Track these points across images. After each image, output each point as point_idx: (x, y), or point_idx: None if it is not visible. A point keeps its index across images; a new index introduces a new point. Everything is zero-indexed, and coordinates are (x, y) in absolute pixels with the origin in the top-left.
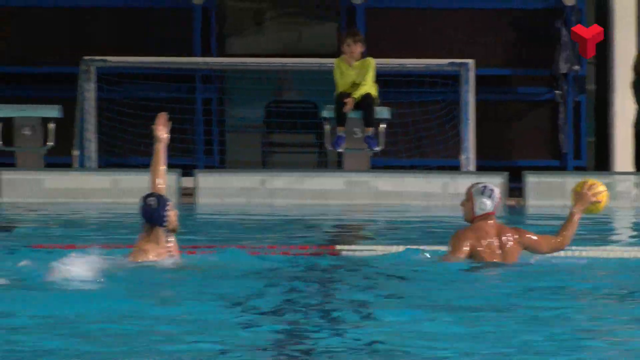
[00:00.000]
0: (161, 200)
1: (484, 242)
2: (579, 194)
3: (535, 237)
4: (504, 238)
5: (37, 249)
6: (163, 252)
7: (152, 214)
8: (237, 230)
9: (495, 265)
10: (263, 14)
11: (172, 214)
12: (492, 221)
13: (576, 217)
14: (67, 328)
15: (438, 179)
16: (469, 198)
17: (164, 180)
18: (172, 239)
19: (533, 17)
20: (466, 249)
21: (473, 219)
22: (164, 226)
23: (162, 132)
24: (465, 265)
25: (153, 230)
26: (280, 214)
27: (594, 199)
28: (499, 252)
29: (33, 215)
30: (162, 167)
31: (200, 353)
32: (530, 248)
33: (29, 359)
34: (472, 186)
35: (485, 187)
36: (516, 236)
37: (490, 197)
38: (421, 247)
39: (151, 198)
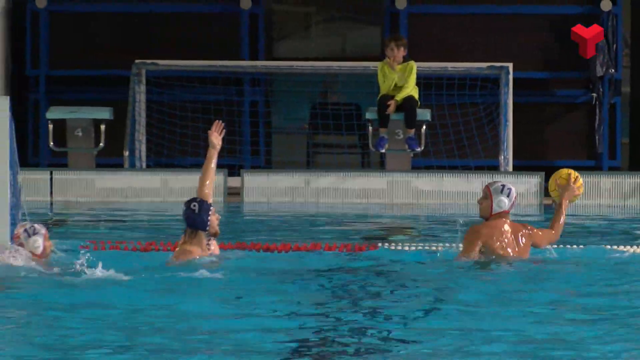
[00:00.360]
0: (204, 205)
1: (500, 239)
2: (565, 187)
3: (540, 232)
4: (518, 235)
5: (88, 247)
6: (204, 254)
7: (194, 218)
8: (282, 228)
9: (516, 260)
10: (309, 18)
11: (214, 219)
12: (507, 219)
13: (565, 209)
14: (129, 323)
15: (477, 179)
16: (487, 196)
17: (212, 184)
18: (212, 241)
19: (570, 21)
20: (478, 246)
21: (490, 216)
22: (206, 230)
23: (218, 139)
24: (488, 263)
25: (196, 234)
26: (324, 212)
27: (577, 192)
28: (515, 248)
29: (84, 214)
30: (213, 172)
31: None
32: (535, 242)
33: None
34: (491, 184)
35: (503, 185)
36: (527, 232)
37: (508, 195)
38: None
39: (194, 203)
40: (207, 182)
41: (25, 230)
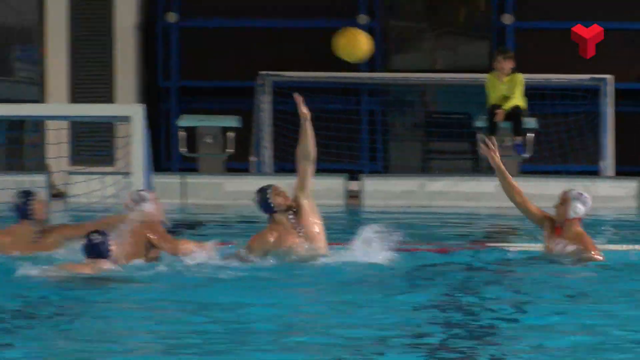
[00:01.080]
0: (260, 193)
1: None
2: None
3: None
4: None
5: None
6: (289, 231)
7: (260, 207)
8: (398, 229)
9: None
10: (423, 33)
11: (277, 199)
12: (579, 226)
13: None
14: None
15: (579, 183)
16: (564, 202)
17: (311, 148)
18: (295, 215)
19: None
20: None
21: (565, 221)
22: (276, 212)
23: (305, 109)
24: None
25: (273, 218)
26: (438, 214)
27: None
28: None
29: (215, 215)
30: (312, 139)
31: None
32: None
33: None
34: (569, 191)
35: (581, 193)
36: None
37: (585, 203)
38: None
39: (253, 196)
40: (308, 145)
41: (134, 199)
